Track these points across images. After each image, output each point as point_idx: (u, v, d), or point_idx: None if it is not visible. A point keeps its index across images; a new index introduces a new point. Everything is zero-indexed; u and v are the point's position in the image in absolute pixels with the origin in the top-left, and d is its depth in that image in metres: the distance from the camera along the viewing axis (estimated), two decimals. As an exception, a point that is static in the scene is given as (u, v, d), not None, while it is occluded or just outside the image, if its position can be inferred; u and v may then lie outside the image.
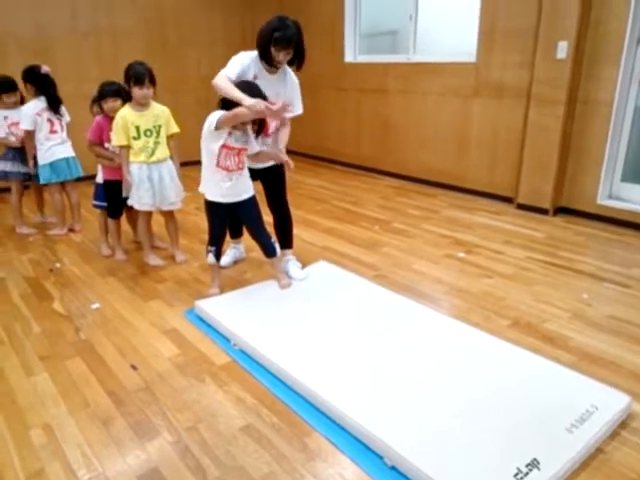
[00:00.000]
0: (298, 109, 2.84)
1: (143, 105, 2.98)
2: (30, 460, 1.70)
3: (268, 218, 2.96)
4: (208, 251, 2.77)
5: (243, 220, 2.79)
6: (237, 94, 2.41)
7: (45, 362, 2.26)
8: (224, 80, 2.49)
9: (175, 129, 3.14)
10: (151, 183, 3.05)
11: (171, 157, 3.14)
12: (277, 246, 2.82)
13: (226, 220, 2.76)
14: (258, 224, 2.77)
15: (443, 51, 4.86)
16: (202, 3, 5.88)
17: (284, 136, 2.83)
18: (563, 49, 3.77)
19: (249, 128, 2.57)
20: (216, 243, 2.77)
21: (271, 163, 2.83)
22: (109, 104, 3.15)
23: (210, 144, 2.52)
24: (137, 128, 2.96)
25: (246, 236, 2.97)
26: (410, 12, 5.02)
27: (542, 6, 3.84)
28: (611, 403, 1.83)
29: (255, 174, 2.83)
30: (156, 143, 3.03)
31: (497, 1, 4.19)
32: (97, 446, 1.75)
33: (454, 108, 4.74)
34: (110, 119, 3.13)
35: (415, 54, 5.11)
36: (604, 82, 3.75)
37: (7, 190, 3.94)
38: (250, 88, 2.46)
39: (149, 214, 3.21)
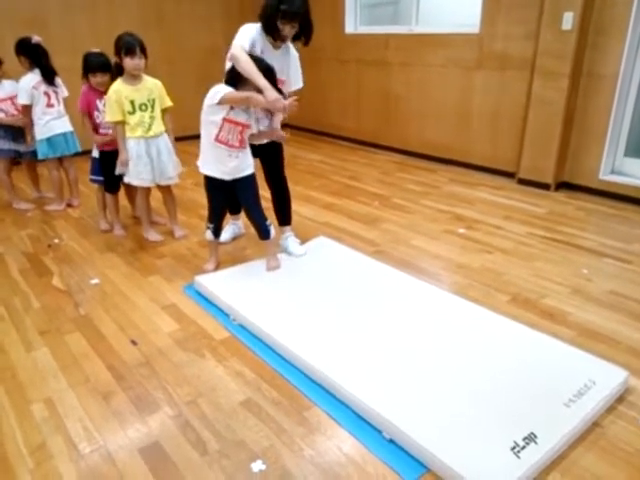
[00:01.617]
0: (298, 82, 2.79)
1: (136, 78, 2.92)
2: (32, 434, 1.72)
3: (266, 193, 2.93)
4: (207, 227, 2.76)
5: (240, 198, 2.74)
6: (261, 81, 2.36)
7: (45, 337, 2.26)
8: (244, 55, 2.38)
9: (169, 103, 3.09)
10: (150, 158, 3.01)
11: (166, 131, 3.09)
12: (272, 229, 2.76)
13: (226, 197, 2.73)
14: (254, 204, 2.72)
15: (446, 22, 4.75)
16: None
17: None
18: (569, 20, 3.69)
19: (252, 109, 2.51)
20: (215, 220, 2.75)
21: (268, 140, 2.79)
22: (98, 79, 3.10)
23: (210, 117, 2.47)
24: (132, 102, 2.90)
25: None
26: (412, -19, 4.90)
27: (548, -25, 3.74)
28: (609, 378, 1.84)
29: (253, 151, 2.77)
30: (151, 117, 2.98)
31: (502, -30, 4.08)
32: (98, 420, 1.77)
33: (456, 81, 4.66)
34: (96, 91, 3.10)
35: (417, 25, 5.00)
36: (609, 54, 3.67)
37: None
38: (267, 73, 2.40)
39: (148, 189, 3.18)
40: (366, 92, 5.60)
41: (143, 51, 2.86)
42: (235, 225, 3.28)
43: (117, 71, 2.95)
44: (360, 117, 5.77)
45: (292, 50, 2.72)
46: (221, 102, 2.38)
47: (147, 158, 3.00)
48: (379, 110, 5.51)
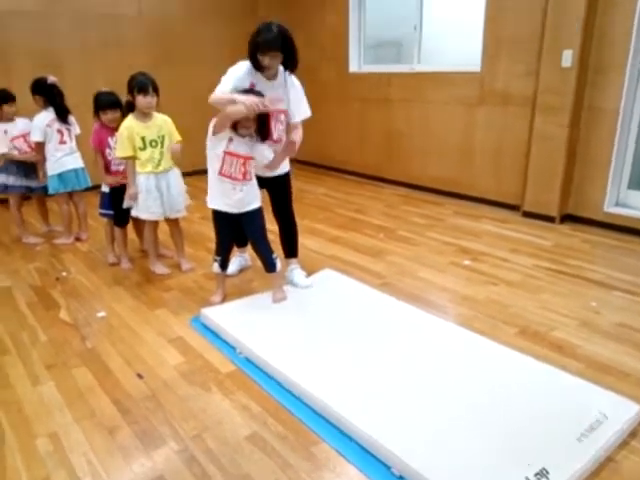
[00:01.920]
0: (306, 112, 2.80)
1: (146, 115, 3.00)
2: (36, 468, 1.70)
3: (274, 227, 2.96)
4: (214, 260, 2.78)
5: (246, 231, 2.76)
6: (228, 96, 2.41)
7: (51, 371, 2.26)
8: (217, 95, 2.49)
9: (178, 137, 3.14)
10: (159, 192, 3.06)
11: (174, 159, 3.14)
12: (278, 262, 2.78)
13: (233, 230, 2.75)
14: (261, 237, 2.74)
15: (448, 61, 4.88)
16: (208, 17, 5.94)
17: (297, 137, 2.76)
18: (568, 57, 3.78)
19: (253, 135, 2.55)
20: (222, 253, 2.78)
21: (278, 173, 2.83)
22: (108, 116, 3.19)
23: (212, 150, 2.54)
24: (143, 139, 2.97)
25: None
26: (414, 22, 5.05)
27: (547, 15, 3.85)
28: (621, 412, 1.81)
29: (261, 183, 2.81)
30: (161, 153, 3.04)
31: (502, 10, 4.21)
32: (103, 454, 1.75)
33: (459, 117, 4.75)
34: (108, 129, 3.17)
35: (419, 64, 5.13)
36: (610, 90, 3.75)
37: (6, 201, 3.97)
38: (245, 90, 2.48)
39: (156, 223, 3.22)
40: (369, 128, 5.71)
41: (155, 90, 2.95)
42: (242, 257, 3.30)
43: (128, 108, 3.03)
44: (364, 152, 5.86)
45: (294, 80, 2.73)
46: (214, 131, 2.46)
47: (157, 192, 3.05)
48: (382, 146, 5.60)
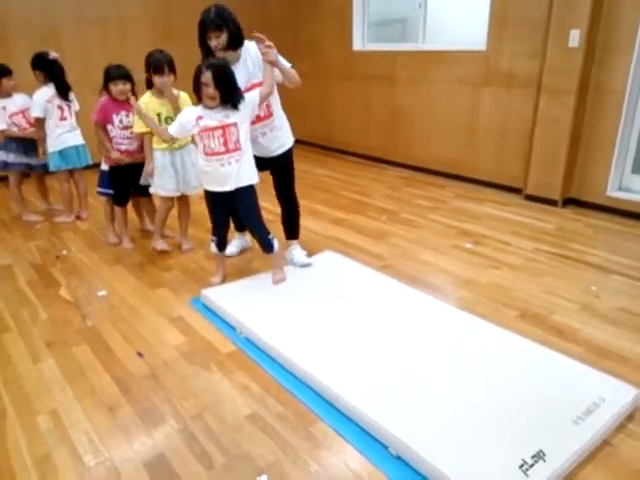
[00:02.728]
0: (286, 63, 2.61)
1: (164, 92, 2.96)
2: (37, 445, 1.72)
3: (275, 209, 2.95)
4: (211, 240, 2.77)
5: (240, 212, 2.69)
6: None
7: (52, 348, 2.27)
8: None
9: None
10: (175, 169, 3.05)
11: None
12: (275, 242, 2.73)
13: (227, 208, 2.69)
14: (255, 217, 2.67)
15: (453, 39, 4.80)
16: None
17: (291, 75, 2.63)
18: (575, 37, 3.71)
19: (219, 102, 2.41)
20: (218, 233, 2.75)
21: (279, 151, 2.80)
22: (119, 87, 3.11)
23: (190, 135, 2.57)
24: (158, 115, 2.95)
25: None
26: (419, 0, 4.96)
27: (554, -7, 3.78)
28: (618, 395, 1.81)
29: (264, 163, 2.79)
30: None
31: (508, -12, 4.13)
32: (103, 432, 1.77)
33: (463, 97, 4.69)
34: (115, 103, 3.12)
35: (424, 42, 5.04)
36: (616, 71, 3.69)
37: (6, 178, 3.94)
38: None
39: (170, 202, 3.19)
40: (373, 108, 5.64)
41: (171, 69, 2.92)
42: (242, 239, 3.30)
43: (147, 85, 3.00)
44: (367, 133, 5.80)
45: (251, 46, 2.61)
46: (173, 132, 2.58)
47: (172, 169, 3.04)
48: (386, 126, 5.54)
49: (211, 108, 2.43)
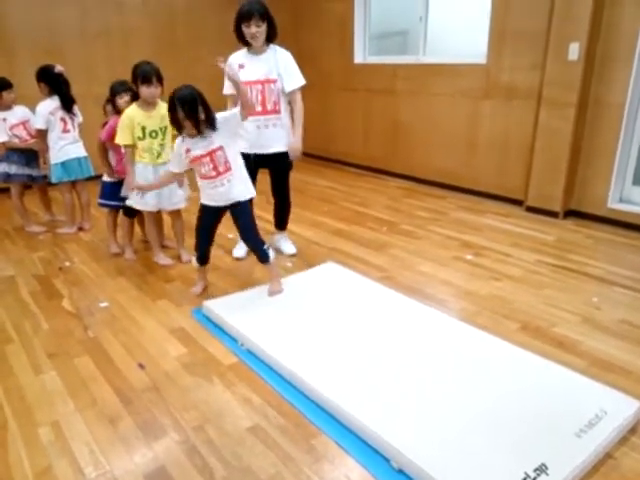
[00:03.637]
0: (299, 81, 2.98)
1: (150, 104, 2.98)
2: (38, 457, 1.71)
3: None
4: (193, 255, 2.85)
5: (236, 222, 2.73)
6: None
7: (53, 360, 2.27)
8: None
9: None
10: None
11: None
12: (271, 252, 2.75)
13: (213, 225, 2.74)
14: (250, 229, 2.71)
15: (453, 53, 4.84)
16: (213, 3, 5.90)
17: (296, 116, 3.01)
18: (575, 51, 3.74)
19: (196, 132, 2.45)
20: (199, 248, 2.79)
21: (282, 149, 3.02)
22: (124, 98, 3.13)
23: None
24: (143, 129, 2.95)
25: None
26: (420, 13, 5.01)
27: (554, 7, 3.81)
28: (620, 408, 1.81)
29: (263, 161, 3.02)
30: (161, 145, 3.02)
31: (508, 2, 4.17)
32: (104, 444, 1.76)
33: (464, 110, 4.72)
34: None
35: (425, 55, 5.09)
36: (616, 84, 3.72)
37: (9, 190, 3.95)
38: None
39: (153, 213, 3.21)
40: (374, 120, 5.68)
41: (159, 80, 2.93)
42: None
43: (135, 96, 3.03)
44: (368, 144, 5.83)
45: (283, 51, 2.96)
46: (176, 169, 2.66)
47: None
48: (387, 138, 5.57)
49: (193, 137, 2.48)
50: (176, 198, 3.16)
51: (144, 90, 2.90)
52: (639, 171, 3.86)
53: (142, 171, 3.01)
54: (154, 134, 2.99)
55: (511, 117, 4.36)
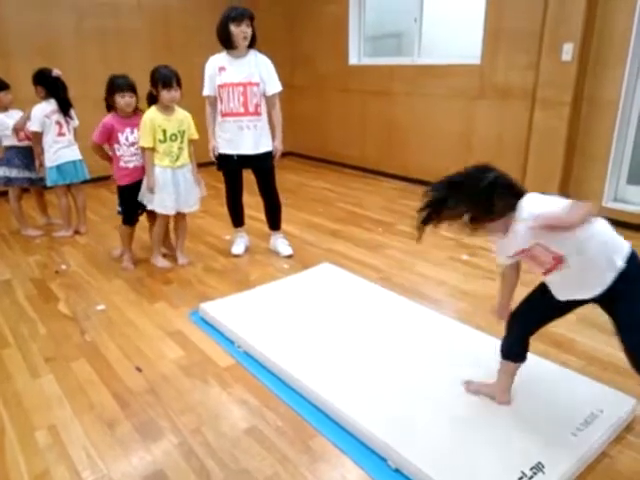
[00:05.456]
0: (277, 86, 3.10)
1: (169, 108, 2.98)
2: (35, 461, 1.71)
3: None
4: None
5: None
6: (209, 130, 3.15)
7: (50, 364, 2.27)
8: (207, 108, 3.17)
9: (195, 135, 3.14)
10: (175, 187, 3.05)
11: (190, 160, 3.15)
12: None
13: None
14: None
15: (448, 53, 4.86)
16: (208, 6, 5.90)
17: (277, 120, 3.14)
18: (568, 51, 3.76)
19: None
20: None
21: (264, 150, 3.12)
22: (126, 99, 3.01)
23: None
24: (164, 131, 2.96)
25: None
26: (415, 15, 5.03)
27: (547, 8, 3.83)
28: (616, 406, 1.82)
29: (246, 162, 3.11)
30: (180, 148, 3.03)
31: (502, 3, 4.19)
32: (102, 447, 1.76)
33: (459, 110, 4.74)
34: (122, 121, 3.03)
35: (420, 56, 5.11)
36: (610, 83, 3.73)
37: (5, 193, 3.94)
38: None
39: (167, 217, 3.20)
40: (369, 121, 5.69)
41: (179, 83, 2.94)
42: (244, 238, 3.46)
43: (150, 100, 3.01)
44: (364, 145, 5.84)
45: (263, 57, 3.07)
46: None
47: (172, 187, 3.04)
48: (382, 138, 5.58)
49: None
50: (192, 200, 3.17)
51: (165, 94, 2.89)
52: (633, 170, 3.88)
53: (161, 174, 3.01)
54: (174, 137, 3.00)
55: (506, 117, 4.38)
